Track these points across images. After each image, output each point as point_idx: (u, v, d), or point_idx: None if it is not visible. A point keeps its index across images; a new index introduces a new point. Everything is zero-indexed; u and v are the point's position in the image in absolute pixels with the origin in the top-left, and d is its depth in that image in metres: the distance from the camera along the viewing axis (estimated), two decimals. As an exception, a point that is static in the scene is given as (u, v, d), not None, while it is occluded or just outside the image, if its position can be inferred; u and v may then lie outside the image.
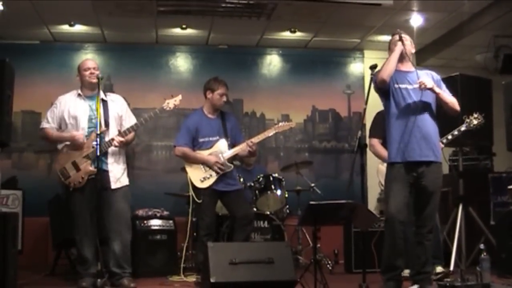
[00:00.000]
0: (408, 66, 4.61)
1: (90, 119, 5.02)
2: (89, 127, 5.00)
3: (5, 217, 4.50)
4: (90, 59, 5.42)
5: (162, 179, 7.79)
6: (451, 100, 4.56)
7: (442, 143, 5.26)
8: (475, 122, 5.28)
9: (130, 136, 5.11)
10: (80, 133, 4.94)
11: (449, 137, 5.32)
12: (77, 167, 4.91)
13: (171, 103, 5.17)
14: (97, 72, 5.04)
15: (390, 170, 4.53)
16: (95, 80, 4.98)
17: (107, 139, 4.96)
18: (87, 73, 5.06)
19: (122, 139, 4.99)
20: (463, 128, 5.30)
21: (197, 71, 8.12)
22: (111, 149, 5.01)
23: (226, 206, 5.56)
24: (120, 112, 5.19)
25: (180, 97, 5.21)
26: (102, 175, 4.91)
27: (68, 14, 7.04)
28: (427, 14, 6.99)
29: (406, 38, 4.61)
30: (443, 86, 4.63)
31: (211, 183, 5.32)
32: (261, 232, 6.36)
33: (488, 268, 4.74)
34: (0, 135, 4.47)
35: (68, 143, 5.01)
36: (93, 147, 4.86)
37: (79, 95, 5.12)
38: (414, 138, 4.41)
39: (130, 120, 5.23)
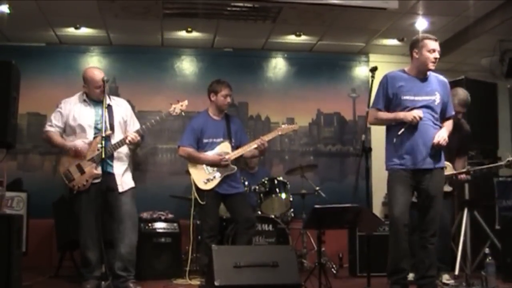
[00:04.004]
0: (423, 74, 4.59)
1: (96, 125, 5.00)
2: (95, 133, 4.98)
3: (9, 219, 4.52)
4: (98, 69, 5.22)
5: (167, 182, 7.78)
6: (451, 129, 4.63)
7: (469, 173, 5.31)
8: None
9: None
10: (84, 145, 4.91)
11: (484, 170, 5.29)
12: (81, 170, 4.91)
13: (177, 108, 5.16)
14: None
15: (392, 174, 4.54)
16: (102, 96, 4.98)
17: (112, 142, 4.96)
18: (98, 91, 4.99)
19: (138, 136, 4.99)
20: (502, 166, 5.18)
21: (203, 74, 8.12)
22: (116, 152, 5.00)
23: (229, 209, 5.56)
24: (125, 117, 5.18)
25: (186, 102, 5.21)
26: (108, 177, 4.91)
27: (74, 16, 7.06)
28: (432, 18, 6.98)
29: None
30: (450, 97, 4.67)
31: (214, 185, 5.32)
32: (266, 236, 6.36)
33: (494, 273, 4.74)
34: (5, 137, 4.48)
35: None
36: (98, 149, 4.86)
37: (84, 100, 5.09)
38: (416, 145, 4.45)
39: (134, 125, 5.22)
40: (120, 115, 5.13)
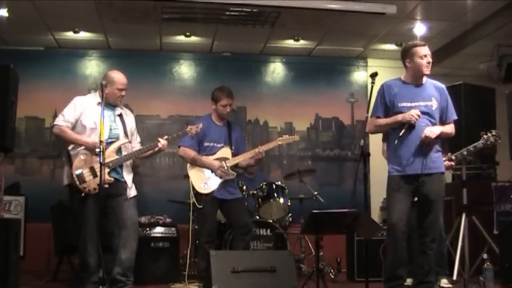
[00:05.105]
0: (419, 80, 4.59)
1: (110, 130, 4.98)
2: (109, 137, 4.94)
3: (7, 222, 4.52)
4: (122, 74, 5.17)
5: (165, 186, 7.78)
6: (449, 132, 4.60)
7: (456, 157, 5.28)
8: (492, 139, 5.21)
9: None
10: (96, 141, 4.78)
11: (464, 152, 5.30)
12: (94, 174, 4.83)
13: (193, 129, 5.23)
14: None
15: (391, 181, 4.54)
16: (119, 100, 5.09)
17: (125, 152, 5.00)
18: (119, 94, 5.05)
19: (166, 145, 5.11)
20: (480, 145, 5.24)
21: (201, 79, 8.13)
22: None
23: (226, 215, 5.57)
24: (132, 129, 5.22)
25: (201, 125, 5.27)
26: (118, 184, 4.91)
27: (73, 20, 7.06)
28: (430, 23, 7.00)
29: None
30: (450, 102, 4.65)
31: (212, 189, 5.32)
32: (264, 240, 6.35)
33: (492, 278, 4.73)
34: (3, 141, 4.48)
35: (82, 148, 4.90)
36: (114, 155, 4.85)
37: (99, 103, 4.97)
38: (415, 151, 4.44)
39: (137, 138, 5.27)
40: (129, 126, 5.16)
